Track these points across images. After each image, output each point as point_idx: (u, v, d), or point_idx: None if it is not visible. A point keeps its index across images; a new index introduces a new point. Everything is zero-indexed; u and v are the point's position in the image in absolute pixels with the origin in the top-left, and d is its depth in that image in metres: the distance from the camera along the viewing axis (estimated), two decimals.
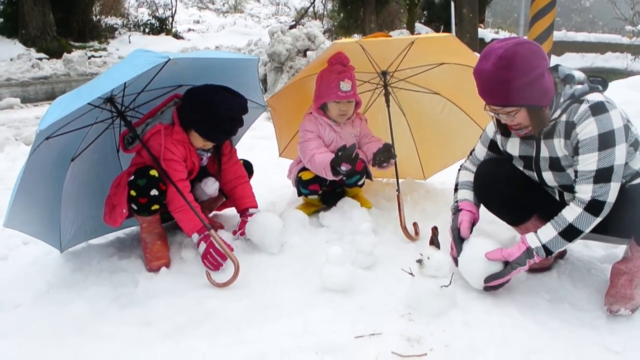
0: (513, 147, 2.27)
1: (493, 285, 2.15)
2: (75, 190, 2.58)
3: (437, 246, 2.09)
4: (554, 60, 11.06)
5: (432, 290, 2.05)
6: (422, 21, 26.67)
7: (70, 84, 9.73)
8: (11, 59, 12.66)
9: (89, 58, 12.19)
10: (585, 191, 2.00)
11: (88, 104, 2.13)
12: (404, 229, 2.75)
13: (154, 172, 2.40)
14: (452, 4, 9.31)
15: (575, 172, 2.04)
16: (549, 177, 2.20)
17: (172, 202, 2.46)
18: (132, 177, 2.40)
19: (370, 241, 2.45)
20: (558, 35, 13.66)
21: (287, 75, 5.39)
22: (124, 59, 2.41)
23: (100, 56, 14.23)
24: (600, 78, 2.10)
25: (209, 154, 2.66)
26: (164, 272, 2.43)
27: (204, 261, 2.42)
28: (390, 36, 2.81)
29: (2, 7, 16.58)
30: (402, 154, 3.41)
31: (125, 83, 2.33)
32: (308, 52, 5.43)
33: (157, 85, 2.57)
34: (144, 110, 2.63)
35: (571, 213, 2.04)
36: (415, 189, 3.44)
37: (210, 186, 2.66)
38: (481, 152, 2.46)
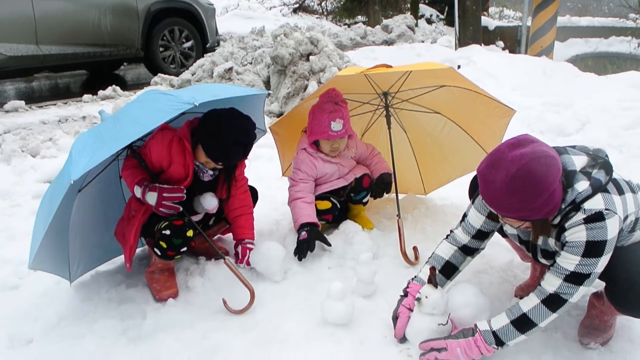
0: (511, 228, 2.20)
1: (427, 349, 2.09)
2: (82, 221, 2.63)
3: (435, 285, 2.16)
4: (558, 47, 11.06)
5: (429, 327, 2.12)
6: (426, 2, 26.41)
7: (74, 77, 9.72)
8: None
9: None
10: (551, 284, 1.94)
11: None
12: (404, 254, 2.82)
13: (190, 233, 2.44)
14: None
15: (553, 262, 1.98)
16: (542, 260, 2.20)
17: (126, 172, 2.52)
18: (168, 233, 2.42)
19: (370, 270, 2.52)
20: (562, 20, 13.54)
21: (290, 79, 5.40)
22: (141, 97, 2.45)
23: None
24: (602, 158, 1.99)
25: (212, 173, 2.66)
26: (171, 303, 2.50)
27: (159, 209, 2.44)
28: (391, 67, 2.83)
29: None
30: (403, 169, 3.48)
31: None
32: (311, 57, 5.44)
33: None
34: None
35: (527, 303, 1.98)
36: (416, 206, 3.49)
37: (209, 201, 2.64)
38: (478, 221, 2.25)
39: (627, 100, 5.58)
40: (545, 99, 5.84)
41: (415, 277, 2.34)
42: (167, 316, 2.42)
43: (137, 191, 2.47)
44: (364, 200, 3.16)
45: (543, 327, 1.99)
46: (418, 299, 2.13)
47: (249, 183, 2.96)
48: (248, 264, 2.70)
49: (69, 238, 2.58)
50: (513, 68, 7.12)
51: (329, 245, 2.88)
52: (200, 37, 8.83)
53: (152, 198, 2.44)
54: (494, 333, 2.00)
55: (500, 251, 2.88)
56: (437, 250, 2.34)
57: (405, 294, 2.28)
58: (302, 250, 2.80)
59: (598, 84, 6.48)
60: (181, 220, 2.44)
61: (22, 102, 6.45)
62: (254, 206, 2.95)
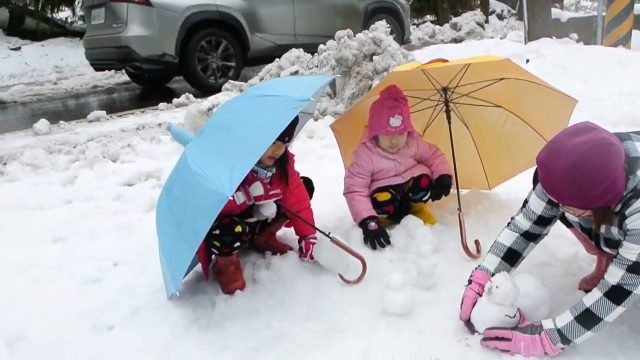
0: (572, 215, 2.16)
1: (491, 337, 2.09)
2: None
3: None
4: (637, 36, 10.51)
5: (496, 317, 2.12)
6: None
7: (151, 87, 10.23)
8: None
9: None
10: (615, 275, 1.90)
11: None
12: (465, 247, 2.83)
13: (238, 229, 2.56)
14: None
15: (617, 253, 1.95)
16: (606, 249, 2.15)
17: None
18: (218, 232, 2.54)
19: (431, 263, 2.55)
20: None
21: (354, 80, 5.47)
22: (236, 105, 2.52)
23: None
24: None
25: (272, 173, 2.73)
26: (238, 294, 2.63)
27: (270, 194, 2.66)
28: (447, 61, 2.85)
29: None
30: (466, 164, 3.47)
31: None
32: (374, 57, 5.49)
33: None
34: None
35: (590, 298, 1.95)
36: (480, 201, 3.48)
37: (269, 207, 2.73)
38: (538, 207, 2.22)
39: None
40: (620, 89, 5.63)
41: (478, 266, 2.35)
42: (234, 306, 2.55)
43: (239, 196, 2.56)
44: (424, 199, 3.18)
45: (610, 321, 1.94)
46: (489, 289, 2.12)
47: (315, 181, 3.06)
48: (312, 257, 2.78)
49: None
50: (586, 60, 6.89)
51: (389, 243, 2.93)
52: (401, 31, 10.89)
53: (258, 189, 2.60)
54: (559, 331, 1.98)
55: (564, 243, 2.84)
56: (499, 238, 2.33)
57: (469, 282, 2.29)
58: (379, 239, 2.90)
59: None
60: (228, 219, 2.55)
61: (104, 112, 6.91)
62: (310, 197, 3.01)
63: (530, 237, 2.29)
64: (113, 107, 8.08)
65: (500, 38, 10.31)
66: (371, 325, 2.32)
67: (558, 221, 2.38)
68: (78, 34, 16.79)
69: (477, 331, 2.17)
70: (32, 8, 16.94)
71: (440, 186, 3.10)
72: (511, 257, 2.29)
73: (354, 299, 2.53)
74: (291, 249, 2.98)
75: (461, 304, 2.24)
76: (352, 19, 9.88)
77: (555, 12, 10.58)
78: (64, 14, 18.08)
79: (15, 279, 2.99)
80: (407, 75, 3.02)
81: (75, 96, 9.95)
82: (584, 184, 1.79)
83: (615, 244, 2.04)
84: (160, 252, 2.61)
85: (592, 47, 8.18)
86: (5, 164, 5.05)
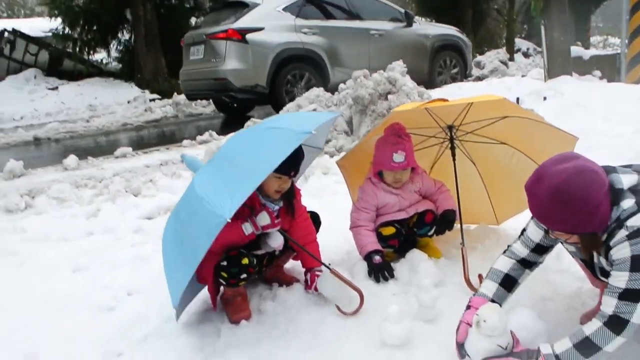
0: (567, 244, 2.25)
1: None
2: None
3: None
4: None
5: (488, 348, 2.13)
6: (522, 36, 25.84)
7: (178, 125, 10.57)
8: (128, 102, 13.98)
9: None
10: (609, 305, 1.94)
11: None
12: (468, 281, 2.87)
13: (245, 261, 2.66)
14: (542, 28, 9.12)
15: (608, 283, 1.99)
16: (603, 279, 2.18)
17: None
18: (225, 264, 2.65)
19: (431, 296, 2.59)
20: None
21: (369, 118, 5.61)
22: (241, 137, 2.70)
23: None
24: None
25: (278, 207, 2.83)
26: (244, 324, 2.71)
27: (276, 222, 2.71)
28: (447, 100, 2.96)
29: (120, 55, 18.40)
30: (473, 200, 3.53)
31: None
32: (389, 96, 5.63)
33: None
34: None
35: (590, 326, 1.98)
36: (488, 236, 3.51)
37: (275, 239, 2.79)
38: (536, 235, 2.30)
39: None
40: (638, 126, 5.61)
41: (476, 292, 2.41)
42: (239, 336, 2.62)
43: (247, 227, 2.65)
44: (429, 234, 3.24)
45: (609, 351, 1.96)
46: (477, 322, 2.15)
47: (326, 215, 3.15)
48: (316, 289, 2.85)
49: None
50: (605, 97, 6.89)
51: (392, 277, 2.99)
52: (463, 65, 11.92)
53: (265, 218, 2.67)
54: (556, 357, 1.99)
55: (568, 279, 2.86)
56: (495, 265, 2.39)
57: (468, 308, 2.33)
58: (382, 273, 2.96)
59: None
60: (236, 251, 2.66)
61: (130, 149, 7.18)
62: (317, 231, 3.10)
63: (527, 264, 2.35)
64: (140, 144, 8.38)
65: (522, 76, 10.37)
66: (369, 357, 2.37)
67: (565, 254, 2.45)
68: (112, 74, 17.57)
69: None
70: (70, 50, 17.74)
71: (444, 222, 3.17)
72: (508, 283, 2.34)
73: (356, 330, 2.59)
74: (298, 281, 3.06)
75: (457, 328, 2.28)
76: (420, 55, 10.88)
77: (577, 50, 10.66)
78: (99, 55, 18.85)
79: (37, 306, 3.15)
80: (411, 114, 3.12)
81: (106, 133, 10.33)
82: (567, 208, 1.87)
83: (609, 275, 2.06)
84: (165, 271, 2.72)
85: (613, 84, 8.20)
86: (33, 197, 5.27)
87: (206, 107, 12.23)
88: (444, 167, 3.56)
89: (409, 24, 10.94)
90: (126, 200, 4.89)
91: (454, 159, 3.21)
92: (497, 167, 3.50)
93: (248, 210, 2.71)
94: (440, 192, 3.30)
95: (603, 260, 2.08)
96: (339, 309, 2.64)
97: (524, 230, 2.37)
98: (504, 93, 8.17)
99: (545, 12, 8.96)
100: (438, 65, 11.45)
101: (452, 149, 3.22)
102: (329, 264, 2.80)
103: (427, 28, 11.51)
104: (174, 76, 16.91)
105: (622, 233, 1.91)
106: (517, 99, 7.09)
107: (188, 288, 2.56)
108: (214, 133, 7.57)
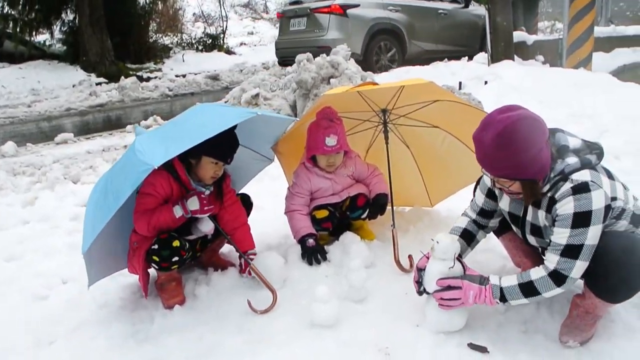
0: (505, 203, 2.42)
1: (444, 286, 2.28)
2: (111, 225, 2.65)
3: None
4: (603, 57, 10.84)
5: (441, 271, 2.32)
6: None
7: (124, 110, 10.36)
8: (73, 85, 13.56)
9: (142, 82, 12.87)
10: (552, 261, 2.11)
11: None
12: (397, 262, 2.96)
13: (176, 243, 2.68)
14: (487, 13, 9.30)
15: (549, 240, 2.15)
16: (531, 239, 2.37)
17: (142, 220, 2.66)
18: (156, 247, 2.65)
19: (360, 276, 2.68)
20: (606, 30, 13.24)
21: (312, 102, 5.64)
22: (194, 109, 2.76)
23: (156, 77, 14.98)
24: (597, 147, 2.16)
25: (208, 191, 2.84)
26: (177, 309, 2.74)
27: (204, 209, 2.72)
28: (377, 84, 3.01)
29: (64, 36, 17.72)
30: (408, 182, 3.63)
31: None
32: (332, 80, 5.67)
33: None
34: None
35: (537, 272, 2.15)
36: (421, 218, 3.61)
37: (206, 224, 2.83)
38: (480, 200, 2.55)
39: None
40: (571, 110, 5.82)
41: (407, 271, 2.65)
42: (172, 321, 2.65)
43: (177, 210, 2.68)
44: (362, 217, 3.31)
45: (547, 297, 2.16)
46: (432, 247, 2.35)
47: (265, 200, 3.18)
48: (249, 273, 2.89)
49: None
50: (543, 81, 7.10)
51: (325, 259, 3.06)
52: None
53: (195, 203, 2.70)
54: (501, 289, 2.19)
55: (494, 257, 2.99)
56: (456, 223, 2.62)
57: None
58: (315, 255, 3.03)
59: (634, 94, 6.39)
60: (166, 234, 2.67)
61: (71, 135, 7.01)
62: (248, 214, 3.14)
63: (479, 225, 2.58)
64: (84, 130, 8.19)
65: (467, 60, 10.56)
66: (298, 336, 2.43)
67: (490, 235, 2.67)
68: (56, 57, 16.88)
69: (426, 292, 2.38)
70: (11, 31, 16.97)
71: (376, 206, 3.24)
72: (467, 237, 2.56)
73: (287, 312, 2.65)
74: (233, 265, 3.09)
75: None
76: (474, 32, 12.18)
77: (521, 34, 10.85)
78: (42, 37, 18.11)
79: None
80: (343, 98, 3.16)
81: (48, 119, 10.05)
82: (511, 151, 2.02)
83: (540, 232, 2.26)
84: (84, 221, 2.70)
85: (551, 69, 8.44)
86: None
87: (153, 92, 12.01)
88: (379, 151, 3.63)
89: (467, 5, 12.31)
90: (65, 187, 4.81)
91: (386, 143, 3.28)
92: (430, 150, 3.60)
93: (180, 194, 2.75)
94: (373, 175, 3.37)
95: (541, 214, 2.22)
96: (250, 305, 2.66)
97: (473, 197, 2.61)
98: (448, 77, 8.33)
99: None
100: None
101: (386, 132, 3.29)
102: (251, 259, 2.87)
103: (479, 9, 12.22)
104: (121, 58, 16.57)
105: (567, 186, 2.06)
106: (460, 83, 7.26)
107: (107, 259, 2.73)
108: (158, 118, 7.47)
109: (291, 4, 11.67)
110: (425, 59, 10.48)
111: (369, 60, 10.53)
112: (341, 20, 10.43)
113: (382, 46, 10.89)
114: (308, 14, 10.77)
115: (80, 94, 11.55)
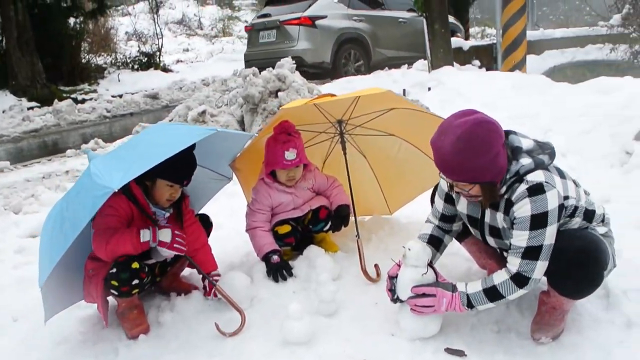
0: (462, 206, 2.45)
1: (419, 293, 2.29)
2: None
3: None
4: (534, 60, 11.28)
5: (414, 278, 2.31)
6: None
7: (61, 134, 9.97)
8: (3, 111, 12.92)
9: (77, 104, 12.42)
10: (513, 264, 2.15)
11: None
12: (365, 272, 2.94)
13: (135, 265, 2.55)
14: (424, 21, 9.52)
15: (509, 243, 2.19)
16: (490, 240, 2.40)
17: (100, 241, 2.52)
18: (115, 270, 2.52)
19: (329, 290, 2.64)
20: (535, 34, 13.87)
21: (261, 117, 5.60)
22: (149, 130, 2.75)
23: (91, 99, 14.47)
24: (549, 148, 2.21)
25: (168, 214, 2.77)
26: (142, 339, 2.61)
27: (174, 246, 2.60)
28: (335, 95, 3.00)
29: None
30: (366, 192, 3.63)
31: None
32: (280, 93, 5.64)
33: None
34: None
35: (499, 277, 2.19)
36: (382, 227, 3.62)
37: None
38: (440, 206, 2.56)
39: (591, 106, 5.73)
40: (513, 112, 6.00)
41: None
42: (137, 352, 2.53)
43: (146, 234, 2.55)
44: (324, 230, 3.27)
45: (512, 299, 2.21)
46: (403, 254, 2.33)
47: (223, 218, 3.09)
48: (215, 295, 2.80)
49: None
50: (483, 85, 7.32)
51: (291, 275, 3.00)
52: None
53: (167, 235, 2.59)
54: (467, 296, 2.23)
55: (459, 260, 3.01)
56: (422, 230, 2.62)
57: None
58: (281, 272, 2.97)
59: (567, 93, 6.65)
60: (124, 257, 2.54)
61: (7, 162, 6.66)
62: (208, 235, 3.06)
63: (444, 230, 2.60)
64: (19, 157, 7.82)
65: (407, 67, 10.78)
66: (272, 355, 2.38)
67: (453, 241, 2.69)
68: None
69: (400, 300, 2.37)
70: None
71: (338, 217, 3.22)
72: (435, 243, 2.56)
73: (257, 332, 2.57)
74: (196, 288, 2.98)
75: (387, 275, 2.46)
76: (420, 40, 12.39)
77: (457, 41, 11.18)
78: None
79: None
80: (299, 111, 3.14)
81: None
82: (470, 155, 2.04)
83: (499, 234, 2.29)
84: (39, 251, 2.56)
85: (489, 72, 8.72)
86: None
87: (90, 114, 11.58)
88: (336, 162, 3.63)
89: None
90: (6, 218, 4.54)
91: (344, 153, 3.27)
92: (386, 158, 3.62)
93: (141, 218, 2.66)
94: (333, 187, 3.35)
95: (499, 216, 2.25)
96: (218, 328, 2.57)
97: (432, 203, 2.63)
98: (390, 85, 8.46)
99: (426, 5, 9.35)
100: None
101: (343, 142, 3.29)
102: (216, 281, 2.78)
103: None
104: (53, 81, 15.97)
105: (522, 187, 2.10)
106: (404, 90, 7.37)
107: (65, 291, 2.60)
108: (100, 141, 7.20)
109: (259, 17, 12.35)
110: (389, 65, 11.38)
111: (337, 69, 11.45)
112: (310, 31, 11.13)
113: (349, 54, 11.74)
114: (278, 26, 11.35)
115: (12, 120, 11.00)
